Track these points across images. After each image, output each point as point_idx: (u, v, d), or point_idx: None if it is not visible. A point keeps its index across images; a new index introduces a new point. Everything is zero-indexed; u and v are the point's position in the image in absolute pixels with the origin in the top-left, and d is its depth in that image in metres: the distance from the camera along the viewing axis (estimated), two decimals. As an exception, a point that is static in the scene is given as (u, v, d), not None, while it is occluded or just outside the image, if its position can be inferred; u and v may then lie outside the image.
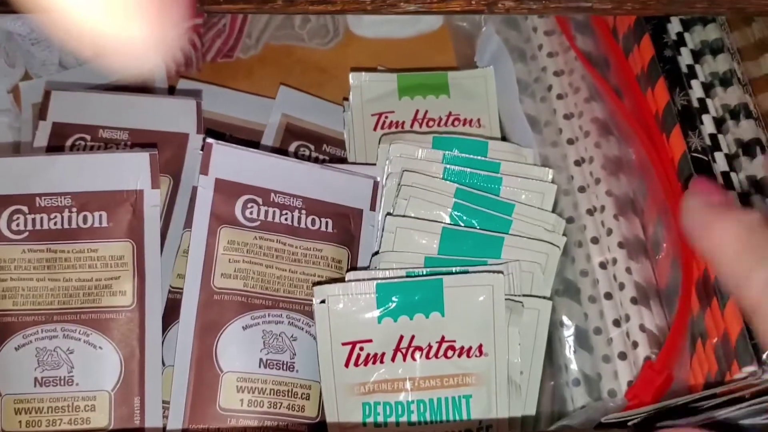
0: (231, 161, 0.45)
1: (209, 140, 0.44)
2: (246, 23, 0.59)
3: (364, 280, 0.42)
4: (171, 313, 0.44)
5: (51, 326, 0.42)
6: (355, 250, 0.47)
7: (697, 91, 0.45)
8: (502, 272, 0.42)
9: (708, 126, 0.44)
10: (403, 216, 0.46)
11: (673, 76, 0.45)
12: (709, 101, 0.45)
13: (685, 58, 0.45)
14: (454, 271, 0.43)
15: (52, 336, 0.42)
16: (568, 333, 0.45)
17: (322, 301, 0.42)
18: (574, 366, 0.45)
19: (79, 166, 0.43)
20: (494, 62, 0.55)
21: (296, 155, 0.55)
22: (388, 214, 0.46)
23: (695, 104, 0.45)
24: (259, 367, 0.42)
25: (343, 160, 0.56)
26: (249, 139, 0.55)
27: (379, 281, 0.42)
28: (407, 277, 0.43)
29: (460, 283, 0.42)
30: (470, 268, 0.43)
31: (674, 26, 0.48)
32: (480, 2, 0.38)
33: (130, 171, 0.43)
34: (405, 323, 0.42)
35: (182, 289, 0.45)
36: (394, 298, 0.42)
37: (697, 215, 0.29)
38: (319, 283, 0.44)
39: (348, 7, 0.38)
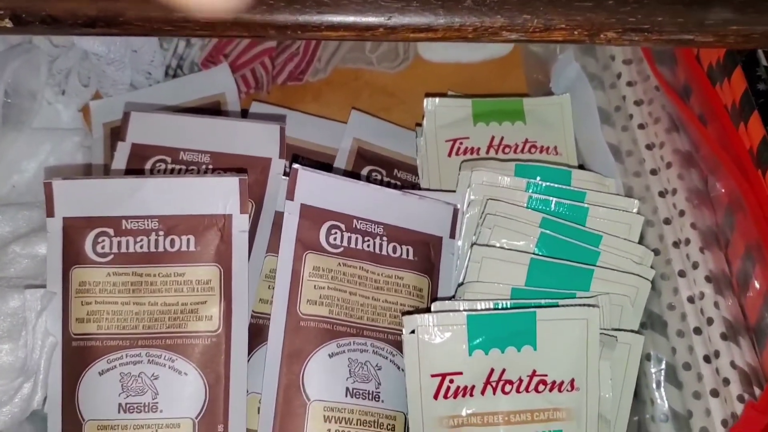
0: (316, 187, 0.44)
1: (295, 166, 0.44)
2: (319, 47, 0.58)
3: (454, 311, 0.42)
4: (253, 338, 0.43)
5: (136, 351, 0.41)
6: (435, 279, 0.47)
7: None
8: (597, 306, 0.41)
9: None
10: (490, 246, 0.45)
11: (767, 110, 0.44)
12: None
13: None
14: (543, 303, 0.42)
15: (136, 361, 0.41)
16: (656, 367, 0.44)
17: (412, 332, 0.41)
18: (661, 401, 0.44)
19: (167, 189, 0.43)
20: (572, 89, 0.54)
21: (368, 180, 0.54)
22: (474, 243, 0.45)
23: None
24: (346, 396, 0.42)
25: (414, 186, 0.55)
26: (321, 163, 0.55)
27: (470, 313, 0.41)
28: (498, 309, 0.42)
29: (554, 317, 0.41)
30: (561, 301, 0.42)
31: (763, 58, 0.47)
32: (582, 32, 0.38)
33: (219, 195, 0.43)
34: (496, 356, 0.41)
35: (264, 314, 0.44)
36: (485, 331, 0.41)
37: None
38: (407, 312, 0.44)
39: (449, 35, 0.38)
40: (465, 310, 0.41)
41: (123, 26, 0.37)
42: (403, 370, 0.43)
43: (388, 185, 0.55)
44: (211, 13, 0.36)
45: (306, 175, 0.44)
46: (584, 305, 0.42)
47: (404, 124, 0.59)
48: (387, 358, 0.43)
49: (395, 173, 0.56)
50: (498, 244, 0.45)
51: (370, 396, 0.42)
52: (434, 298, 0.46)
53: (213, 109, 0.56)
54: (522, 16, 0.37)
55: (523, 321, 0.41)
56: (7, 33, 0.37)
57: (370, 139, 0.56)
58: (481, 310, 0.42)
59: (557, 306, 0.42)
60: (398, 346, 0.43)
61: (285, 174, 0.46)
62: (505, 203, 0.46)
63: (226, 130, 0.47)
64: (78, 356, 0.41)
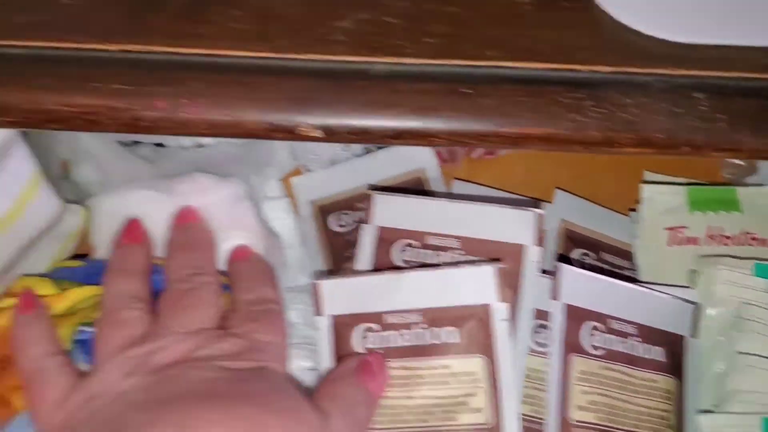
0: (580, 285, 0.44)
1: (560, 265, 0.43)
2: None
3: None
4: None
5: (410, 448, 0.41)
6: (683, 380, 0.46)
7: None
8: None
9: None
10: (751, 354, 0.44)
11: None
12: None
13: None
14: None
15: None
16: None
17: None
18: None
19: (426, 282, 0.43)
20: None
21: (581, 265, 0.54)
22: (739, 352, 0.44)
23: None
24: None
25: (623, 270, 0.54)
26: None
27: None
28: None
29: None
30: None
31: None
32: None
33: (477, 285, 0.42)
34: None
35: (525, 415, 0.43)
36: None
37: None
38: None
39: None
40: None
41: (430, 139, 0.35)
42: (670, 480, 0.42)
43: (600, 271, 0.54)
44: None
45: (571, 273, 0.43)
46: None
47: (596, 201, 0.58)
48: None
49: (602, 256, 0.55)
50: (756, 352, 0.44)
51: None
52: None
53: (416, 187, 0.55)
54: None
55: None
56: (315, 141, 0.36)
57: (577, 221, 0.55)
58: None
59: None
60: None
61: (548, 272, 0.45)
62: (757, 307, 0.46)
63: (475, 214, 0.46)
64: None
